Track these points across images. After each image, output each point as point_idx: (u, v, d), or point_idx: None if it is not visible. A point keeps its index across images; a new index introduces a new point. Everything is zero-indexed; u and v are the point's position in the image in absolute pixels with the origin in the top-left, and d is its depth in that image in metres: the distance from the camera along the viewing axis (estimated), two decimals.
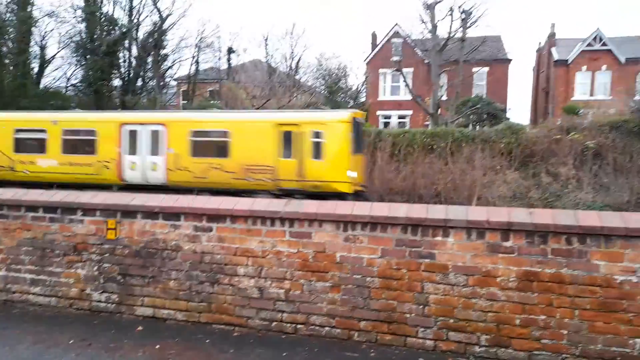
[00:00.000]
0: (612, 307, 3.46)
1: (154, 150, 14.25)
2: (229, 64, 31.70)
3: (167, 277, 4.30)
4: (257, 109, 20.87)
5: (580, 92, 32.79)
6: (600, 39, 32.73)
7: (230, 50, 31.82)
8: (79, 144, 15.10)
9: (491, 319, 3.67)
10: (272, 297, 4.09)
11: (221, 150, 13.71)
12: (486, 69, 30.47)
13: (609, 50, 32.32)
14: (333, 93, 25.66)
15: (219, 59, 32.28)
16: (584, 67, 32.91)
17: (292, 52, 32.00)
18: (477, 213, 3.85)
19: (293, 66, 30.49)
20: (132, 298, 4.41)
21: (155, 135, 14.25)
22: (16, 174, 14.95)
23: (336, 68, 27.22)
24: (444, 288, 3.77)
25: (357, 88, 28.10)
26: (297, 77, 29.33)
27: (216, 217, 4.17)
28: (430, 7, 19.74)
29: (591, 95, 32.27)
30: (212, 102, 24.99)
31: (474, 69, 25.59)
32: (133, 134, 14.45)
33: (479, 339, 3.70)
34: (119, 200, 4.47)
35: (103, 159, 14.32)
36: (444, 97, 24.63)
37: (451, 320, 3.75)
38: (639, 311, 3.41)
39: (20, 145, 15.33)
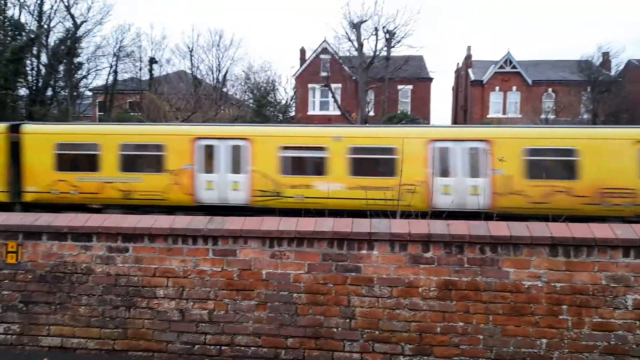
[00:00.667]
0: (521, 310, 3.70)
1: (474, 173, 12.05)
2: (151, 75, 30.57)
3: (77, 303, 3.96)
4: (182, 121, 20.23)
5: (494, 110, 35.51)
6: (511, 62, 35.76)
7: (152, 61, 30.72)
8: (372, 163, 12.63)
9: (414, 329, 3.78)
10: (194, 319, 3.91)
11: (569, 171, 11.75)
12: (410, 86, 32.08)
13: (518, 73, 35.39)
14: (262, 107, 25.59)
15: (140, 69, 31.04)
16: (497, 88, 35.73)
17: (219, 65, 31.61)
18: (399, 226, 3.96)
19: (220, 78, 30.10)
20: (36, 327, 4.01)
21: (474, 154, 12.03)
22: (285, 199, 12.39)
23: (264, 82, 27.23)
24: (370, 300, 3.83)
25: (286, 102, 28.28)
26: (224, 89, 28.95)
27: (133, 236, 3.93)
28: (356, 26, 20.45)
29: (504, 113, 35.07)
30: (131, 114, 23.86)
31: (399, 87, 26.85)
32: (444, 152, 12.16)
33: (403, 349, 3.78)
34: (21, 221, 4.07)
35: (407, 181, 11.48)
36: (372, 113, 25.56)
37: (377, 332, 3.80)
38: (544, 313, 3.68)
39: (290, 166, 12.74)
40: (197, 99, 23.19)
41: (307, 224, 3.98)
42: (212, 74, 31.91)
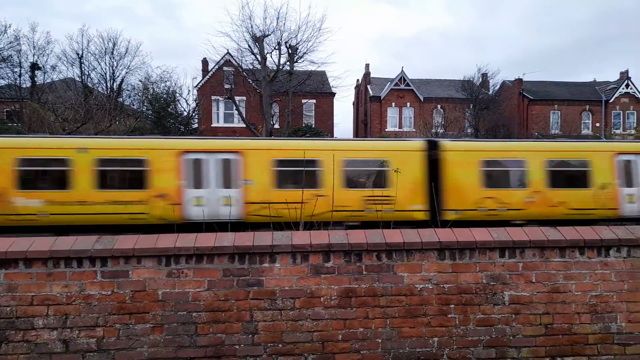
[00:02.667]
0: (415, 312, 3.93)
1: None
2: (33, 82, 27.67)
3: None
4: (69, 133, 18.55)
5: (391, 124, 37.78)
6: (405, 80, 38.41)
7: (34, 67, 27.85)
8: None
9: (317, 338, 3.82)
10: (80, 349, 3.56)
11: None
12: (313, 101, 32.91)
13: (412, 90, 38.13)
14: (161, 118, 24.40)
15: (20, 75, 27.96)
16: (393, 103, 38.10)
17: (114, 73, 29.62)
18: (301, 237, 4.00)
19: (115, 88, 28.15)
20: None
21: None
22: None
23: (164, 92, 26.02)
24: (272, 314, 3.80)
25: (189, 114, 27.31)
26: (120, 99, 27.15)
27: (4, 261, 3.48)
28: (258, 40, 20.50)
29: (400, 127, 37.46)
30: (10, 124, 21.32)
31: (303, 101, 27.41)
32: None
33: (307, 359, 3.81)
34: None
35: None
36: (277, 126, 25.72)
37: (280, 345, 3.78)
38: (435, 314, 3.95)
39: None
40: (88, 109, 21.39)
41: (206, 240, 3.85)
42: (106, 82, 29.79)
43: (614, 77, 41.35)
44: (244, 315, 3.77)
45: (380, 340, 3.86)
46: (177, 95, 26.85)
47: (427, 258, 4.00)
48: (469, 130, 33.33)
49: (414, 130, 36.19)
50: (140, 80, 29.53)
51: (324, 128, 31.83)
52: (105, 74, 29.88)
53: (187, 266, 3.75)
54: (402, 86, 38.19)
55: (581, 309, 4.07)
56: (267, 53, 20.90)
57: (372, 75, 40.75)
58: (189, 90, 28.04)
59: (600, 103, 37.12)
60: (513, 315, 4.02)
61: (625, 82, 39.32)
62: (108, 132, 20.02)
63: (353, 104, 46.69)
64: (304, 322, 3.80)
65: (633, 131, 37.50)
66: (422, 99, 37.83)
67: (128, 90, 30.66)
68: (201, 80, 31.20)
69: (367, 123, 39.27)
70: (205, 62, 31.42)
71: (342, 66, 75.34)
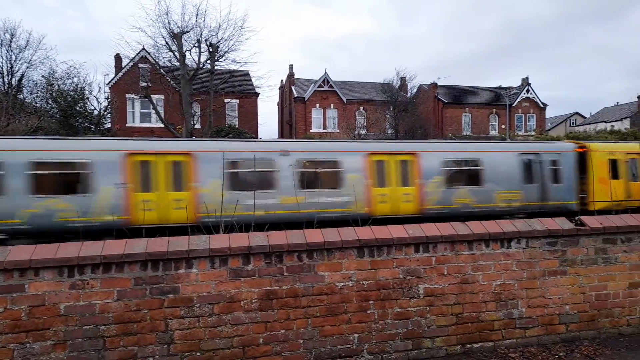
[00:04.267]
0: (336, 310, 3.98)
1: None
2: None
3: None
4: None
5: (316, 125, 38.20)
6: (328, 82, 39.03)
7: None
8: None
9: (237, 343, 3.73)
10: None
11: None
12: (237, 100, 32.33)
13: (335, 92, 38.84)
14: (69, 117, 22.53)
15: None
16: (318, 105, 38.55)
17: (12, 68, 26.88)
18: (219, 240, 3.88)
19: (14, 84, 25.54)
20: None
21: None
22: None
23: (72, 89, 24.05)
24: (190, 321, 3.64)
25: (100, 113, 25.49)
26: (19, 96, 24.69)
27: None
28: (176, 37, 19.68)
29: (324, 128, 38.00)
30: None
31: (225, 100, 26.79)
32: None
33: None
34: None
35: None
36: (198, 126, 24.88)
37: (198, 354, 3.64)
38: (355, 310, 4.03)
39: None
40: None
41: (115, 247, 3.60)
42: (3, 78, 26.91)
43: (516, 82, 45.29)
44: (158, 325, 3.57)
45: (302, 341, 3.86)
46: (87, 92, 24.96)
47: (347, 256, 4.07)
48: (389, 132, 34.65)
49: (338, 131, 36.93)
50: (43, 76, 26.97)
51: (247, 128, 31.40)
52: (2, 68, 27.04)
53: (94, 276, 3.47)
54: (326, 88, 38.80)
55: (487, 297, 4.37)
56: (186, 50, 20.11)
57: (296, 77, 40.97)
58: (100, 88, 26.15)
59: (505, 107, 40.46)
60: (427, 307, 4.21)
61: (526, 87, 43.20)
62: (6, 132, 18.09)
63: (278, 105, 46.61)
64: (223, 328, 3.69)
65: (533, 133, 41.28)
66: (345, 100, 38.70)
67: (29, 87, 27.96)
68: (114, 78, 29.33)
69: (292, 124, 39.38)
70: (118, 58, 29.56)
71: (266, 66, 74.86)
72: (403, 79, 38.88)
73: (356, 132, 33.53)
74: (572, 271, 4.60)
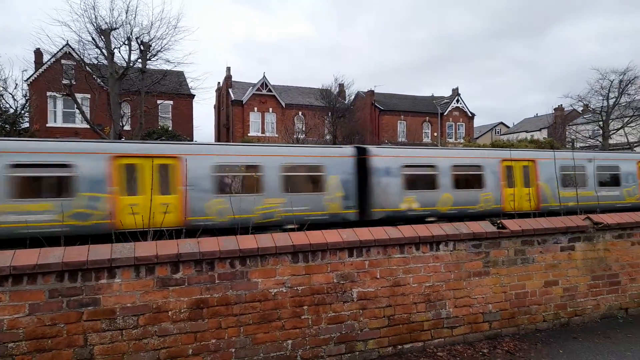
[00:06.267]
0: (269, 317, 3.91)
1: None
2: None
3: None
4: None
5: (254, 129, 37.83)
6: (267, 85, 38.82)
7: None
8: None
9: (164, 356, 3.55)
10: None
11: None
12: (171, 102, 31.20)
13: (274, 96, 38.72)
14: None
15: None
16: (256, 108, 38.21)
17: None
18: (146, 248, 3.68)
19: None
20: None
21: None
22: None
23: None
24: (112, 335, 3.41)
25: (17, 111, 23.47)
26: None
27: None
28: (104, 33, 18.62)
29: (263, 132, 37.72)
30: None
31: (158, 101, 25.72)
32: None
33: None
34: None
35: None
36: (128, 127, 23.66)
37: None
38: (289, 316, 3.99)
39: None
40: None
41: (28, 257, 3.30)
42: None
43: (447, 92, 47.69)
44: (76, 340, 3.32)
45: (233, 350, 3.75)
46: (1, 89, 22.91)
47: (282, 262, 4.02)
48: (327, 137, 35.08)
49: (277, 135, 36.80)
50: None
51: (182, 131, 30.38)
52: None
53: (1, 289, 3.16)
54: (265, 92, 38.57)
55: (418, 299, 4.51)
56: (115, 48, 19.04)
57: (234, 79, 40.36)
58: (17, 84, 24.03)
59: (437, 115, 42.43)
60: (361, 311, 4.26)
61: (456, 97, 45.60)
62: None
63: (215, 107, 45.61)
64: (149, 340, 3.50)
65: (463, 140, 43.62)
66: (284, 105, 38.68)
67: None
68: (34, 74, 27.19)
69: (229, 127, 38.68)
70: (38, 53, 27.43)
71: (202, 67, 73.11)
72: (341, 86, 39.58)
73: (295, 137, 33.58)
74: (495, 271, 4.87)
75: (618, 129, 38.72)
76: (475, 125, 50.84)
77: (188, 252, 3.69)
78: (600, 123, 39.13)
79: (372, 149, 14.15)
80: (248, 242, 3.99)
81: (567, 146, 39.33)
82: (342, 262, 4.26)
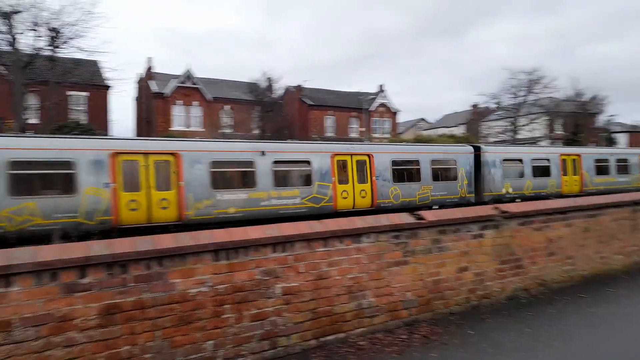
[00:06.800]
0: (189, 319, 3.78)
1: None
2: None
3: None
4: None
5: (178, 123, 36.37)
6: (191, 78, 37.46)
7: None
8: None
9: None
10: None
11: None
12: (86, 93, 29.08)
13: (199, 89, 37.44)
14: None
15: None
16: (180, 102, 36.74)
17: None
18: (48, 252, 3.39)
19: None
20: None
21: None
22: None
23: None
24: (8, 349, 3.11)
25: None
26: None
27: None
28: (7, 16, 16.86)
29: (188, 127, 36.39)
30: None
31: (71, 93, 23.82)
32: None
33: None
34: None
35: None
36: (35, 120, 21.68)
37: None
38: (210, 316, 3.88)
39: None
40: None
41: None
42: None
43: (374, 89, 49.04)
44: None
45: (149, 356, 3.58)
46: None
47: (202, 261, 3.90)
48: (255, 132, 34.66)
49: (203, 130, 35.71)
50: None
51: (98, 124, 28.46)
52: None
53: None
54: (189, 84, 37.19)
55: (341, 291, 4.59)
56: (19, 33, 17.35)
57: (156, 71, 38.46)
58: None
59: (364, 111, 43.52)
60: (285, 306, 4.26)
61: (382, 94, 47.05)
62: None
63: (136, 100, 43.22)
64: (53, 352, 3.23)
65: (389, 136, 45.16)
66: (209, 98, 37.58)
67: None
68: None
69: (150, 120, 36.87)
70: None
71: (121, 57, 68.92)
72: (270, 80, 39.25)
73: (222, 131, 32.81)
74: (413, 260, 5.09)
75: (526, 125, 42.23)
76: (400, 120, 52.87)
77: (98, 255, 3.46)
78: (511, 119, 42.44)
79: (484, 147, 18.07)
80: (166, 241, 3.82)
81: (482, 140, 42.22)
82: (265, 258, 4.22)
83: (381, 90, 47.21)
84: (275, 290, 4.24)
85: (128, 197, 11.10)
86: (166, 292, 3.71)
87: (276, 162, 13.08)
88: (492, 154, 17.84)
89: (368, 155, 14.89)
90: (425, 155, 16.23)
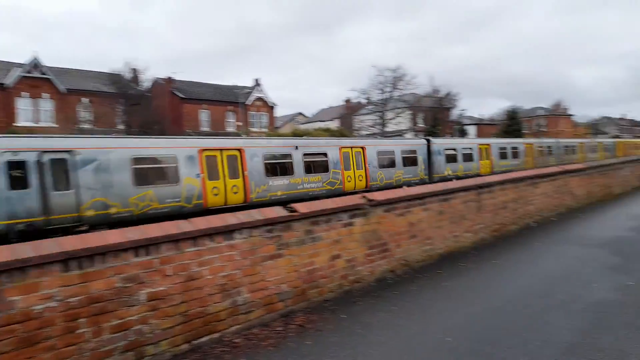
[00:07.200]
0: (34, 339, 3.32)
1: None
2: None
3: None
4: None
5: (24, 118, 31.85)
6: (39, 67, 33.01)
7: None
8: None
9: None
10: None
11: None
12: None
13: (49, 79, 33.18)
14: None
15: None
16: (26, 94, 32.20)
17: None
18: None
19: None
20: None
21: None
22: None
23: None
24: None
25: None
26: None
27: None
28: None
29: (36, 122, 32.06)
30: None
31: None
32: None
33: None
34: None
35: None
36: None
37: None
38: (61, 333, 3.45)
39: None
40: None
41: None
42: None
43: (250, 83, 48.55)
44: None
45: None
46: None
47: (48, 273, 3.44)
48: (120, 126, 31.94)
49: (57, 125, 31.77)
50: None
51: None
52: None
53: None
54: (37, 74, 32.75)
55: (213, 290, 4.44)
56: None
57: None
58: None
59: (240, 105, 42.91)
60: (151, 312, 3.98)
61: (258, 88, 46.87)
62: None
63: None
64: None
65: (266, 130, 45.19)
66: (63, 90, 33.56)
67: None
68: None
69: None
70: None
71: None
72: (135, 70, 36.43)
73: (79, 126, 29.59)
74: (287, 253, 5.14)
75: (392, 119, 45.77)
76: (277, 115, 53.35)
77: None
78: (380, 114, 45.61)
79: (432, 139, 23.06)
80: (1, 254, 3.28)
81: (354, 134, 44.71)
82: (127, 264, 3.88)
83: (257, 84, 47.06)
84: (140, 297, 3.93)
85: (212, 184, 13.78)
86: (3, 311, 3.19)
87: (305, 154, 16.53)
88: (437, 145, 22.80)
89: (362, 148, 18.98)
90: (398, 147, 20.70)
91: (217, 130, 40.91)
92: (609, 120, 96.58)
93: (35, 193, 10.53)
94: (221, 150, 14.14)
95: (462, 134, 54.95)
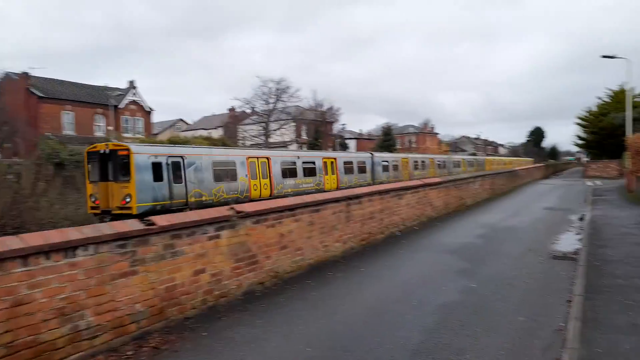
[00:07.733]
0: None
1: None
2: None
3: None
4: None
5: None
6: None
7: None
8: None
9: None
10: None
11: None
12: None
13: None
14: None
15: None
16: None
17: None
18: None
19: None
20: None
21: None
22: None
23: None
24: None
25: None
26: None
27: None
28: None
29: None
30: None
31: None
32: None
33: None
34: None
35: None
36: None
37: None
38: None
39: None
40: None
41: None
42: None
43: (123, 84, 45.00)
44: None
45: None
46: None
47: None
48: None
49: None
50: None
51: None
52: None
53: None
54: None
55: (49, 315, 3.89)
56: None
57: None
58: None
59: (111, 107, 39.52)
60: None
61: (133, 91, 43.68)
62: None
63: None
64: None
65: (142, 136, 42.21)
66: None
67: None
68: None
69: None
70: None
71: None
72: None
73: None
74: (143, 269, 4.74)
75: (276, 130, 46.14)
76: (155, 120, 50.26)
77: None
78: (264, 124, 45.65)
79: (375, 153, 28.66)
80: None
81: (240, 143, 44.12)
82: None
83: (132, 87, 43.90)
84: None
85: (253, 182, 17.95)
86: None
87: (303, 162, 21.19)
88: (377, 157, 28.32)
89: (334, 159, 24.04)
90: (354, 158, 26.16)
91: (84, 135, 37.11)
92: (467, 139, 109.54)
93: (166, 184, 14.59)
94: (257, 157, 18.66)
95: (343, 147, 57.62)
